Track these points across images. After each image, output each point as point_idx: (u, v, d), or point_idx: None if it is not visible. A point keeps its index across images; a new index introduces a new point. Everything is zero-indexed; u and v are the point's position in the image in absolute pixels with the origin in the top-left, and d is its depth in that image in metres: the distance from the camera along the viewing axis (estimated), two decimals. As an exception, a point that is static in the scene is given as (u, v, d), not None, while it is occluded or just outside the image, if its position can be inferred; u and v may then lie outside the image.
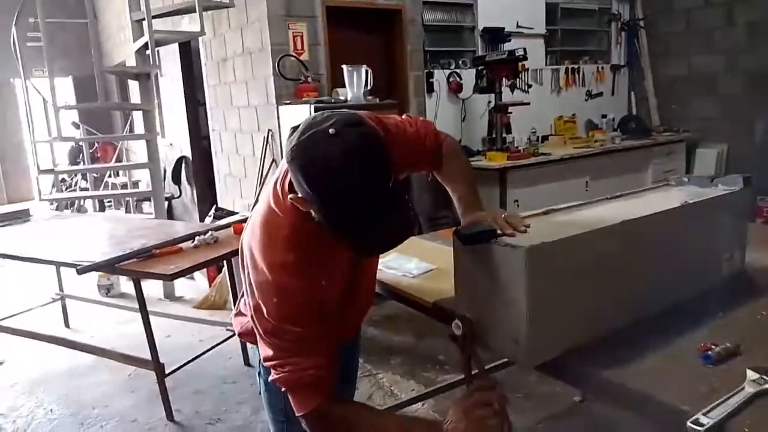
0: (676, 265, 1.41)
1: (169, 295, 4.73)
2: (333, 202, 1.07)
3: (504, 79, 4.66)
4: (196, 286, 4.95)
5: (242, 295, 1.41)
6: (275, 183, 1.28)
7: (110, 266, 2.62)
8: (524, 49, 4.43)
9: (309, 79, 4.23)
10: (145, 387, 3.05)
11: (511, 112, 4.75)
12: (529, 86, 5.21)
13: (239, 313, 1.51)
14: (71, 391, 3.25)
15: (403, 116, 1.55)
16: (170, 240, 2.82)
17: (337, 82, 4.24)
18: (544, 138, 5.36)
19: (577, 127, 5.52)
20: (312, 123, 1.08)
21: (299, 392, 1.22)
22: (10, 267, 4.99)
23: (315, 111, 3.58)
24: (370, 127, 1.12)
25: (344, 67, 3.88)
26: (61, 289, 4.11)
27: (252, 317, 1.26)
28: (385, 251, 1.22)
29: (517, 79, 4.84)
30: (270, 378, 1.24)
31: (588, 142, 5.07)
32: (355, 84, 3.89)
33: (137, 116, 6.61)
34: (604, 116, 5.62)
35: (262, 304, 1.21)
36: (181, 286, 4.81)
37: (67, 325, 4.17)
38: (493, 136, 4.85)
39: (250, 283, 1.25)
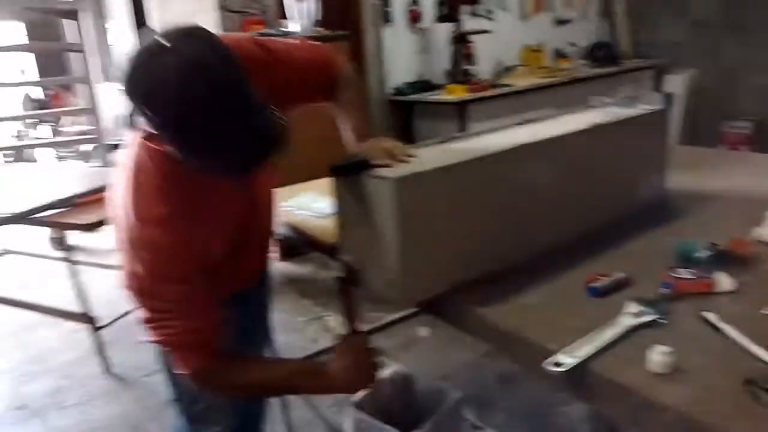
0: (584, 192, 1.32)
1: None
2: (180, 121, 0.93)
3: (464, 5, 4.41)
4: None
5: None
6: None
7: (23, 218, 2.49)
8: (483, -28, 4.18)
9: (255, 12, 3.99)
10: (86, 341, 2.99)
11: (471, 42, 4.53)
12: (489, 12, 4.96)
13: None
14: (14, 346, 3.20)
15: (296, 41, 1.39)
16: (96, 188, 2.68)
17: (285, 13, 4.00)
18: (511, 68, 5.16)
19: (545, 56, 5.31)
20: (139, 51, 0.93)
21: (181, 352, 1.14)
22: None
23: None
24: (209, 35, 0.97)
25: (287, -4, 3.65)
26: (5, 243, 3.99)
27: (125, 279, 1.14)
28: (258, 163, 1.03)
29: (478, 5, 4.58)
30: (147, 338, 1.15)
31: (554, 72, 4.88)
32: (305, 14, 3.67)
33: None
34: (572, 44, 5.40)
35: (135, 263, 1.09)
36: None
37: (13, 281, 4.08)
38: (456, 68, 4.65)
39: (123, 242, 1.14)
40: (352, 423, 1.93)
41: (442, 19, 4.59)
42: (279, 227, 1.74)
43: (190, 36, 0.94)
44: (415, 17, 4.67)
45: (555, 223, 1.26)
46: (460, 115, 4.30)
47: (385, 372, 2.11)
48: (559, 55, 5.41)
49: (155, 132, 0.98)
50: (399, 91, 4.62)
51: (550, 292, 1.09)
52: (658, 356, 0.83)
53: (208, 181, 1.07)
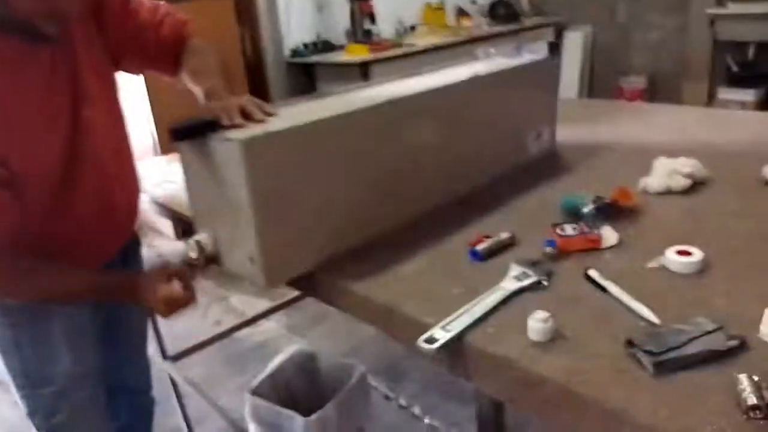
0: (467, 148, 1.22)
1: None
2: None
3: (359, -39, 4.22)
4: None
5: None
6: None
7: None
8: (377, -75, 4.00)
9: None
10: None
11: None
12: (387, -33, 4.80)
13: None
14: None
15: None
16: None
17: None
18: (413, 28, 5.04)
19: (446, 14, 5.23)
20: None
21: None
22: None
23: None
24: None
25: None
26: None
27: None
28: None
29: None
30: None
31: (457, 31, 4.82)
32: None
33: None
34: (473, 2, 5.34)
35: None
36: None
37: None
38: (356, 27, 4.48)
39: None
40: (250, 410, 1.80)
41: (337, -25, 4.38)
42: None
43: None
44: (309, -27, 4.44)
45: (436, 183, 1.17)
46: (363, 75, 4.16)
47: (287, 351, 1.99)
48: (461, 13, 5.35)
49: None
50: (297, 53, 4.40)
51: (430, 260, 0.99)
52: (536, 323, 0.75)
53: (12, 61, 0.94)
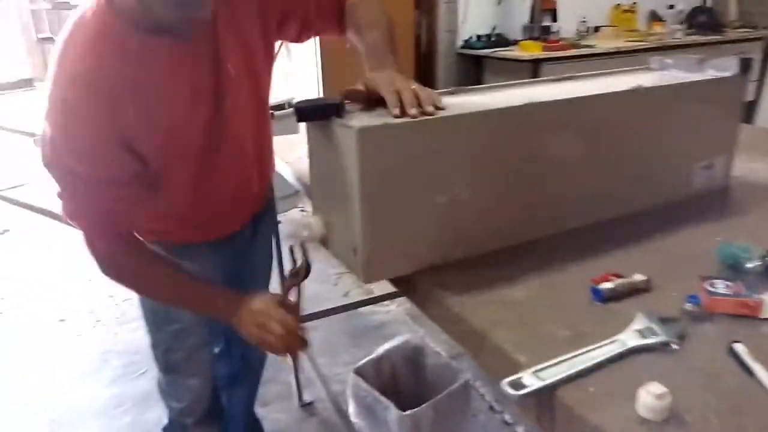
0: (615, 169, 1.07)
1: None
2: None
3: (549, -46, 4.01)
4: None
5: None
6: None
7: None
8: None
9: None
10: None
11: (554, -4, 4.14)
12: (577, -37, 4.49)
13: None
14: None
15: None
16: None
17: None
18: (597, 29, 4.70)
19: (637, 18, 4.79)
20: None
21: (86, 231, 1.01)
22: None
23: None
24: None
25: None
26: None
27: (42, 146, 0.99)
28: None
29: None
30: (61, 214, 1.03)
31: (645, 36, 4.40)
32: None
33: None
34: (670, 7, 4.82)
35: (48, 125, 0.94)
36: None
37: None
38: (534, 23, 4.28)
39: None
40: (352, 389, 1.81)
41: (523, -33, 4.20)
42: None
43: None
44: (494, -35, 4.31)
45: (568, 204, 1.04)
46: (533, 73, 3.97)
47: (397, 339, 1.97)
48: (654, 18, 4.87)
49: None
50: (469, 44, 4.31)
51: (541, 289, 0.88)
52: (649, 396, 0.62)
53: (159, 60, 0.94)
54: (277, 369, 2.06)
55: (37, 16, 6.20)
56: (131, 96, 0.92)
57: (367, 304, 2.72)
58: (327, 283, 3.01)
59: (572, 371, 0.68)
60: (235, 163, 1.15)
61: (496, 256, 0.96)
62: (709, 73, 1.17)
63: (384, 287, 2.88)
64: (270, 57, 1.16)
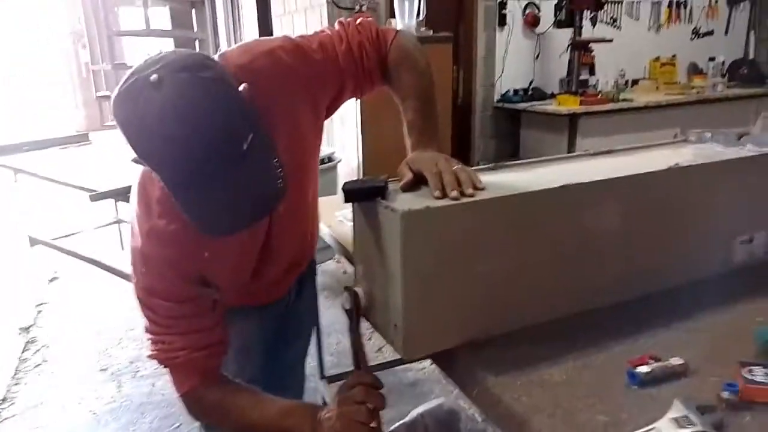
0: (652, 247, 1.09)
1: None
2: (157, 168, 0.85)
3: (586, 11, 4.09)
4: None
5: None
6: None
7: (121, 194, 2.62)
8: (611, -23, 3.84)
9: (364, 8, 3.96)
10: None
11: (592, 50, 4.20)
12: (615, 20, 4.56)
13: None
14: (108, 313, 3.40)
15: (335, 26, 1.22)
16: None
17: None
18: (636, 82, 4.73)
19: (677, 70, 4.80)
20: (138, 68, 0.84)
21: (173, 372, 1.09)
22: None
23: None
24: (212, 72, 0.85)
25: (394, -7, 3.56)
26: (117, 212, 4.27)
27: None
28: (235, 229, 0.93)
29: (601, 12, 4.23)
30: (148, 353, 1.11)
31: (684, 89, 4.40)
32: (407, 13, 3.56)
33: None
34: (711, 59, 4.82)
35: (133, 273, 1.06)
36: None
37: (123, 247, 4.36)
38: (571, 77, 4.34)
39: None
40: (386, 452, 1.81)
41: (560, 24, 4.29)
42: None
43: (190, 70, 0.83)
44: (531, 21, 4.42)
45: (605, 281, 1.05)
46: (570, 128, 4.01)
47: (431, 402, 1.97)
48: (695, 70, 4.88)
49: None
50: (506, 98, 4.39)
51: (579, 370, 0.90)
52: (686, 492, 0.63)
53: None
54: None
55: (98, 75, 6.61)
56: (207, 239, 0.96)
57: (402, 363, 2.71)
58: (361, 338, 3.03)
59: (609, 461, 0.70)
60: (287, 251, 1.24)
61: (534, 332, 0.98)
62: (748, 149, 1.19)
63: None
64: (319, 138, 1.22)
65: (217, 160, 0.82)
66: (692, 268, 1.14)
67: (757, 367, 0.84)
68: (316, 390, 2.25)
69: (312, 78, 1.11)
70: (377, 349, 2.94)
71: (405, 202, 0.93)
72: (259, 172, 0.86)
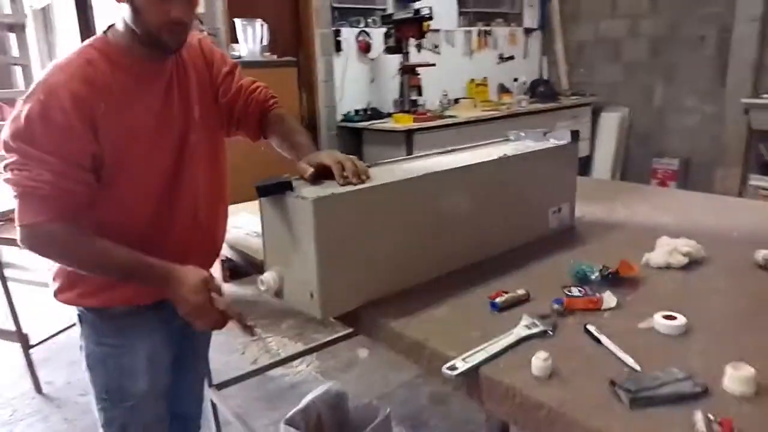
0: (495, 217, 1.43)
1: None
2: None
3: (411, 38, 4.60)
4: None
5: None
6: None
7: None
8: (430, 8, 4.38)
9: (205, 34, 4.06)
10: (18, 359, 2.92)
11: (419, 73, 4.72)
12: (436, 46, 5.18)
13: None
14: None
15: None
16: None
17: (237, 37, 4.09)
18: (457, 101, 5.38)
19: (489, 90, 5.56)
20: None
21: (28, 202, 1.12)
22: None
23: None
24: None
25: (237, 21, 3.74)
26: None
27: (7, 127, 1.12)
28: None
29: (423, 40, 4.78)
30: (4, 180, 1.14)
31: (497, 106, 5.12)
32: (250, 39, 3.76)
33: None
34: (515, 80, 5.67)
35: (24, 105, 1.11)
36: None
37: None
38: (403, 98, 4.82)
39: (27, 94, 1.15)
40: (284, 438, 1.98)
41: (390, 50, 4.76)
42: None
43: None
44: (364, 48, 4.84)
45: (466, 246, 1.37)
46: (407, 142, 4.45)
47: (320, 389, 2.17)
48: (503, 89, 5.67)
49: None
50: (348, 118, 4.74)
51: (455, 308, 1.19)
52: (538, 361, 0.93)
53: (137, 69, 1.21)
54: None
55: None
56: (107, 90, 1.16)
57: (277, 366, 2.82)
58: (234, 353, 3.11)
59: (487, 355, 0.98)
60: (190, 204, 1.35)
61: (417, 288, 1.26)
62: (551, 142, 1.59)
63: (290, 349, 3.08)
64: (221, 127, 1.44)
65: None
66: (521, 233, 1.51)
67: (573, 288, 1.20)
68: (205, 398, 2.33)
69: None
70: (252, 361, 3.05)
71: (312, 191, 1.15)
72: None
